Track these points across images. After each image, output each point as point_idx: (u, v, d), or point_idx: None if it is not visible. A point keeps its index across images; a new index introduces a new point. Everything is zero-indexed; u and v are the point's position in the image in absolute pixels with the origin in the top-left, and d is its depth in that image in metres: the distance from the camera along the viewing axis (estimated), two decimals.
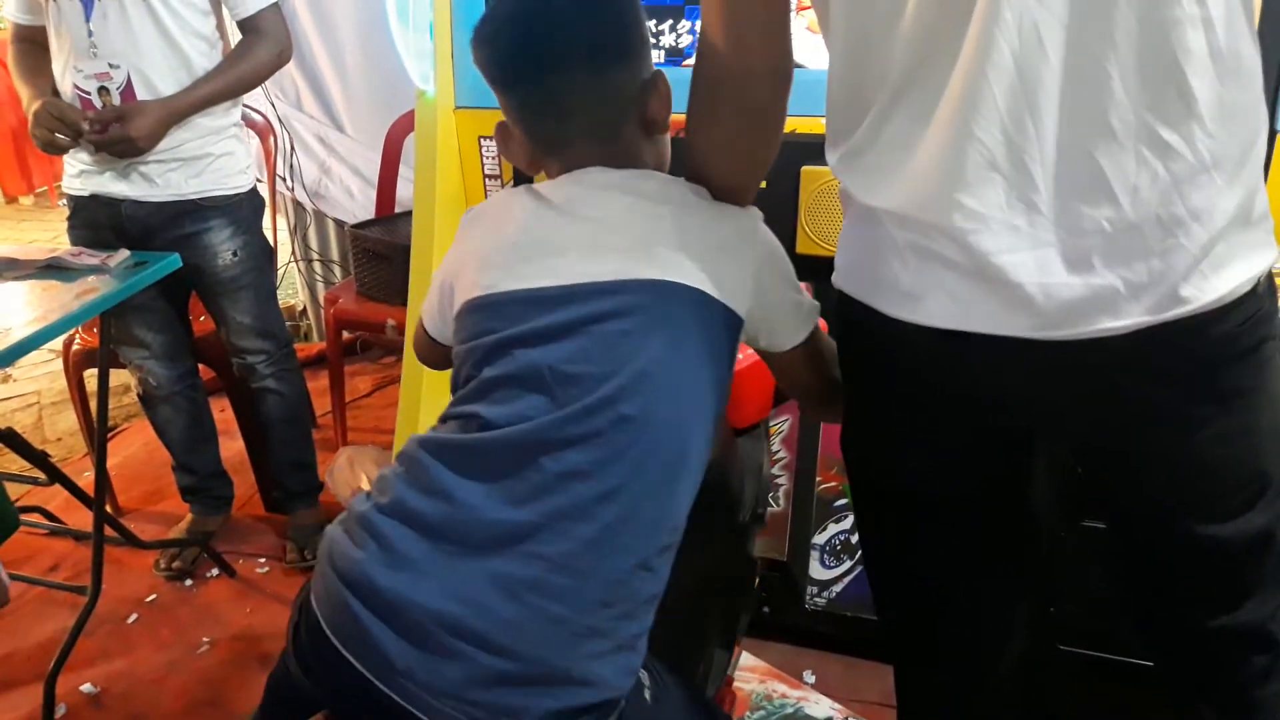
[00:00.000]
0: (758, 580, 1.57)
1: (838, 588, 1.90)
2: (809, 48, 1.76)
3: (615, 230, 0.96)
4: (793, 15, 1.01)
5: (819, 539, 1.90)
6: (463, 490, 0.89)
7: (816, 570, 1.90)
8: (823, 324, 1.17)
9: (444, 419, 0.97)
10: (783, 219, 1.80)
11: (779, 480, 1.90)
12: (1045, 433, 1.00)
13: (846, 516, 1.89)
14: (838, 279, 1.00)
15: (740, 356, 1.13)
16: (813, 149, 1.74)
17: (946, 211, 0.83)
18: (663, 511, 0.91)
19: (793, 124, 1.76)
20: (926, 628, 1.12)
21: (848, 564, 1.89)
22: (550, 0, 1.00)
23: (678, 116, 1.05)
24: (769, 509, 1.86)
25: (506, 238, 1.00)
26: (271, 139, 2.90)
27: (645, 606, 0.92)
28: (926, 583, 1.08)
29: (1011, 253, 0.81)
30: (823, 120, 1.75)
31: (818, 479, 1.90)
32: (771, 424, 1.91)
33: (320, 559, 0.93)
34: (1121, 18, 0.73)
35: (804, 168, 1.77)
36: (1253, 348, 0.85)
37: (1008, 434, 0.98)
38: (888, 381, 0.99)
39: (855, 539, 1.90)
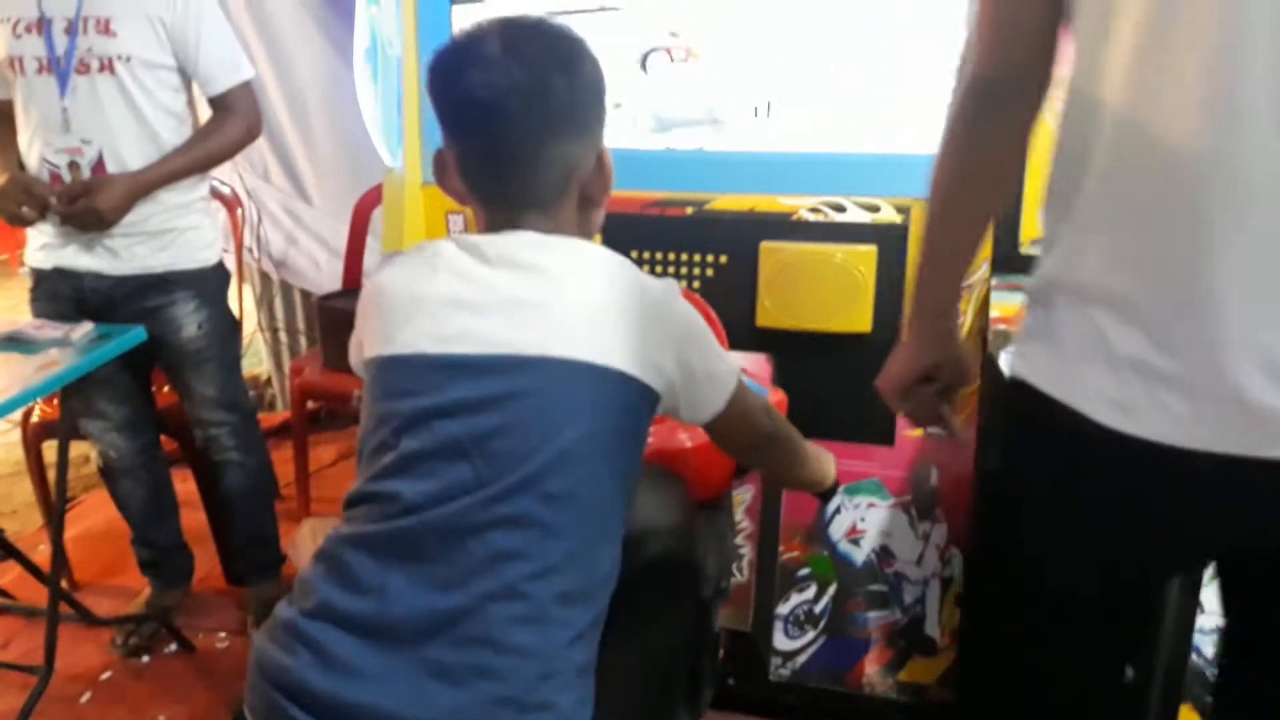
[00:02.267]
0: (722, 652, 1.58)
1: (802, 658, 1.91)
2: (752, 133, 1.83)
3: (542, 301, 0.96)
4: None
5: (782, 609, 1.90)
6: (390, 583, 0.88)
7: (780, 641, 1.90)
8: (782, 400, 1.20)
9: (362, 497, 0.95)
10: (742, 292, 1.85)
11: (742, 550, 1.92)
12: (1228, 543, 0.96)
13: (810, 586, 1.90)
14: (1024, 369, 0.95)
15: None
16: (771, 225, 1.81)
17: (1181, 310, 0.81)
18: (590, 585, 0.93)
19: (751, 201, 1.83)
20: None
21: (811, 634, 1.90)
22: (513, 61, 0.98)
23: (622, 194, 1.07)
24: (733, 580, 1.87)
25: (427, 293, 0.98)
26: (239, 211, 2.92)
27: (581, 677, 0.93)
28: (1064, 683, 1.05)
29: (1251, 369, 0.79)
30: (781, 199, 1.82)
31: (781, 549, 1.91)
32: (734, 494, 1.93)
33: (250, 671, 0.93)
34: None
35: (763, 243, 1.82)
36: None
37: (1189, 546, 0.95)
38: (1074, 485, 0.94)
39: (819, 609, 1.91)
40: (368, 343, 1.01)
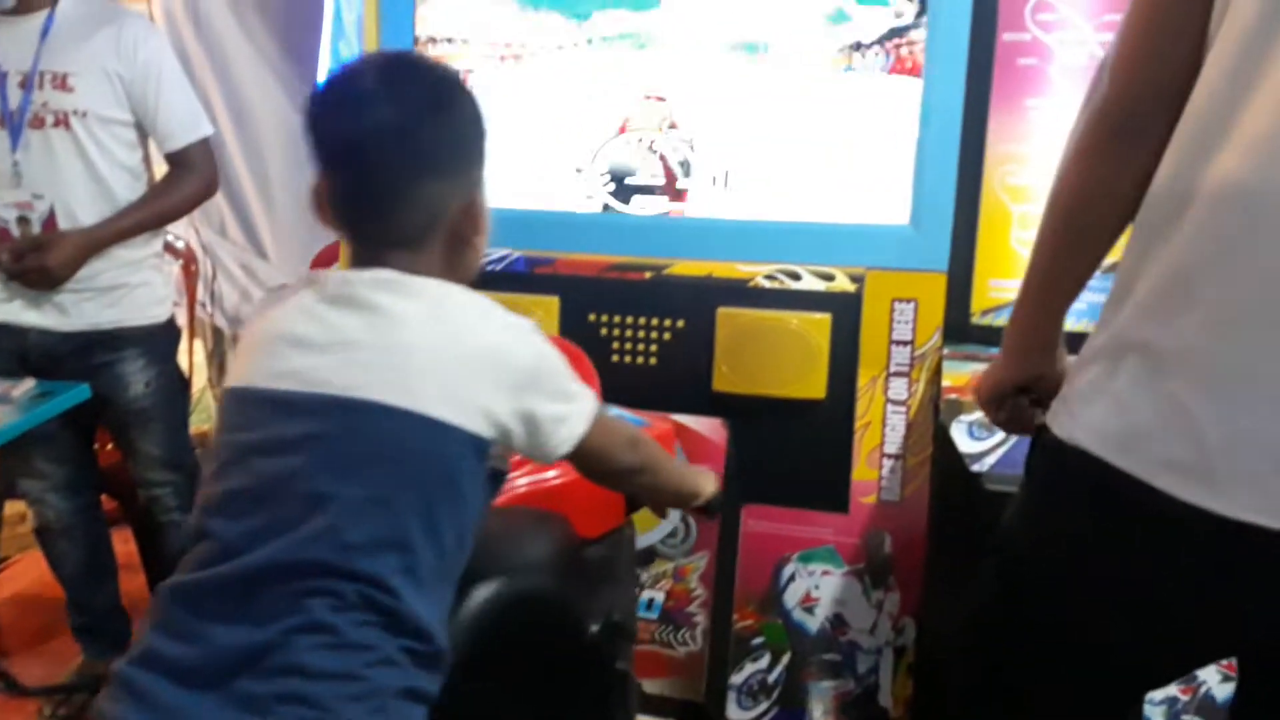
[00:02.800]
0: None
1: None
2: (711, 200, 1.85)
3: (370, 343, 0.96)
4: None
5: (736, 679, 1.88)
6: (207, 630, 0.90)
7: (734, 711, 1.88)
8: (668, 432, 1.19)
9: (195, 533, 0.98)
10: (699, 357, 1.86)
11: (695, 618, 1.90)
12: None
13: (764, 655, 1.88)
14: (1091, 441, 0.89)
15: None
16: (728, 291, 1.83)
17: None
18: (403, 617, 0.92)
19: (709, 268, 1.85)
20: None
21: (765, 704, 1.87)
22: (386, 99, 0.98)
23: None
24: (643, 617, 1.85)
25: (271, 330, 1.00)
26: (193, 266, 2.89)
27: (403, 701, 0.93)
28: None
29: None
30: (738, 266, 1.84)
31: (734, 616, 1.90)
32: (687, 561, 1.92)
33: None
34: None
35: (720, 309, 1.84)
36: None
37: (1251, 629, 0.90)
38: (1135, 562, 0.89)
39: (773, 678, 1.89)
40: (228, 376, 1.05)
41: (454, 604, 1.04)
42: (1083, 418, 0.90)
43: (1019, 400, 1.13)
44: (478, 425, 0.95)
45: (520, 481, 1.29)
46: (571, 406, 1.03)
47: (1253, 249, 0.79)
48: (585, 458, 1.07)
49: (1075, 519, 0.94)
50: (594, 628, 1.26)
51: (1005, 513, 1.07)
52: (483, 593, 1.08)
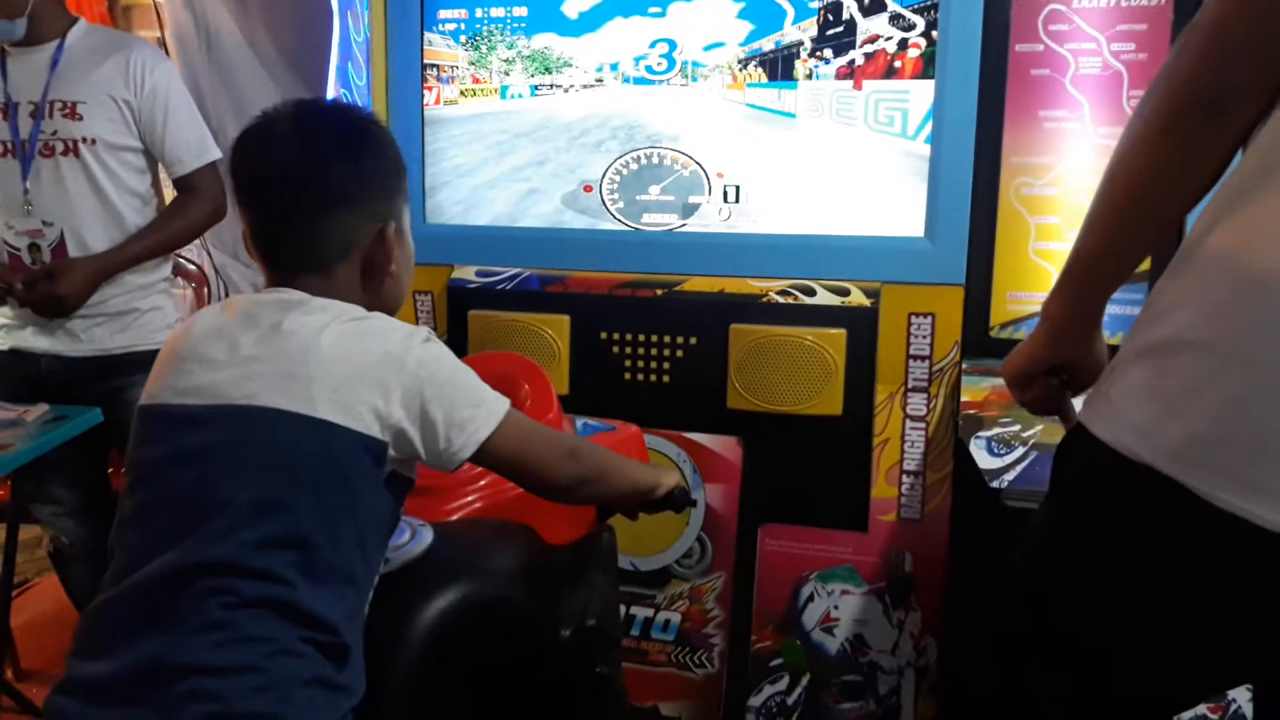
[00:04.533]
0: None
1: None
2: (722, 215, 1.83)
3: (267, 356, 1.00)
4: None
5: (755, 701, 1.85)
6: (112, 643, 0.92)
7: None
8: (635, 435, 1.18)
9: (110, 548, 1.01)
10: (712, 374, 1.84)
11: (713, 639, 1.87)
12: None
13: (783, 677, 1.85)
14: (1135, 443, 0.84)
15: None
16: (741, 308, 1.81)
17: None
18: (303, 610, 0.94)
19: (721, 284, 1.83)
20: None
21: None
22: (295, 139, 1.07)
23: None
24: (618, 623, 1.81)
25: (178, 350, 1.05)
26: (205, 288, 2.90)
27: (312, 689, 0.94)
28: None
29: None
30: (751, 282, 1.82)
31: (752, 638, 1.87)
32: (704, 581, 1.89)
33: None
34: None
35: (733, 325, 1.82)
36: None
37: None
38: (1175, 576, 0.84)
39: (791, 700, 1.86)
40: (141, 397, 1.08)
41: (414, 610, 1.05)
42: (1130, 419, 0.84)
43: (1049, 380, 1.07)
44: (369, 428, 0.99)
45: (479, 496, 1.30)
46: (473, 411, 1.05)
47: None
48: (508, 467, 1.10)
49: (1113, 527, 0.89)
50: (565, 632, 1.25)
51: (1031, 519, 1.03)
52: (441, 601, 1.08)
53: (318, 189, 1.06)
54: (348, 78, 2.09)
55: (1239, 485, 0.76)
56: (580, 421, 1.54)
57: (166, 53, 2.76)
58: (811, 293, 1.79)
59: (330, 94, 2.06)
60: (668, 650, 1.91)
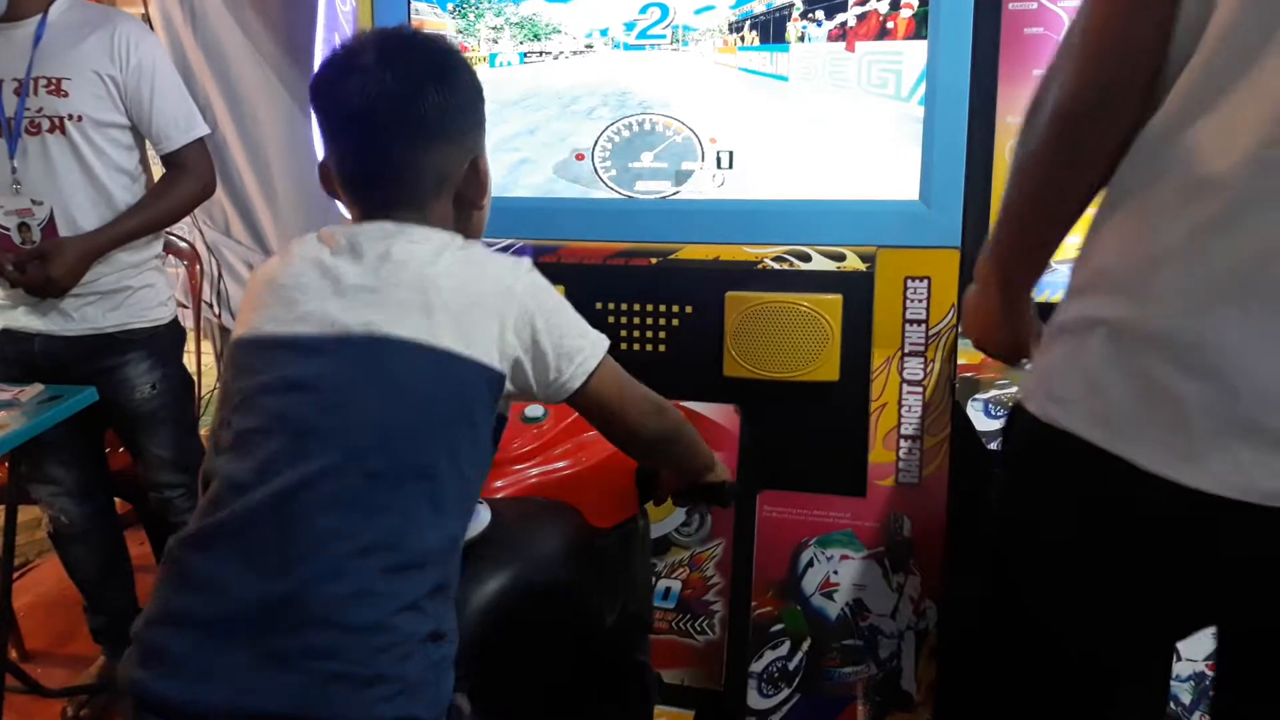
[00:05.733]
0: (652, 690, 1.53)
1: (776, 717, 1.86)
2: (716, 182, 1.82)
3: (378, 286, 0.98)
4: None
5: (756, 667, 1.86)
6: (221, 575, 0.90)
7: (754, 699, 1.86)
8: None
9: (205, 478, 0.98)
10: (709, 343, 1.83)
11: (713, 606, 1.88)
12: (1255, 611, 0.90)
13: (784, 643, 1.86)
14: (1063, 416, 0.87)
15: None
16: (736, 275, 1.80)
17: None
18: (420, 558, 0.93)
19: (715, 251, 1.82)
20: None
21: (786, 692, 1.85)
22: (386, 70, 1.02)
23: None
24: (659, 607, 1.83)
25: (278, 280, 1.03)
26: (198, 266, 2.88)
27: (428, 645, 0.93)
28: None
29: None
30: (746, 249, 1.81)
31: (753, 604, 1.88)
32: (704, 549, 1.90)
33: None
34: None
35: (728, 293, 1.81)
36: None
37: (1216, 609, 0.90)
38: (1114, 541, 0.88)
39: (793, 665, 1.87)
40: (234, 331, 1.05)
41: (468, 594, 1.04)
42: (1056, 393, 0.88)
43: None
44: (489, 357, 0.97)
45: (531, 472, 1.28)
46: (581, 343, 1.04)
47: (1228, 228, 0.76)
48: (601, 409, 1.08)
49: (1053, 499, 0.92)
50: (609, 618, 1.24)
51: (991, 492, 1.05)
52: (496, 584, 1.08)
53: (412, 122, 1.02)
54: (332, 47, 2.06)
55: (1163, 451, 0.80)
56: None
57: (151, 28, 2.73)
58: (807, 258, 1.78)
59: (317, 64, 2.04)
60: (669, 618, 1.92)
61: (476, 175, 1.08)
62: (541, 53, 1.91)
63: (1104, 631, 0.93)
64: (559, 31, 1.89)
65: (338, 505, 0.90)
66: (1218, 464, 0.78)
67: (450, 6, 1.94)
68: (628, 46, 1.85)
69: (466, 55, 1.80)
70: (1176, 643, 0.93)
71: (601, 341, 1.06)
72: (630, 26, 1.84)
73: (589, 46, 1.88)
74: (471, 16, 1.93)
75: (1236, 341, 0.76)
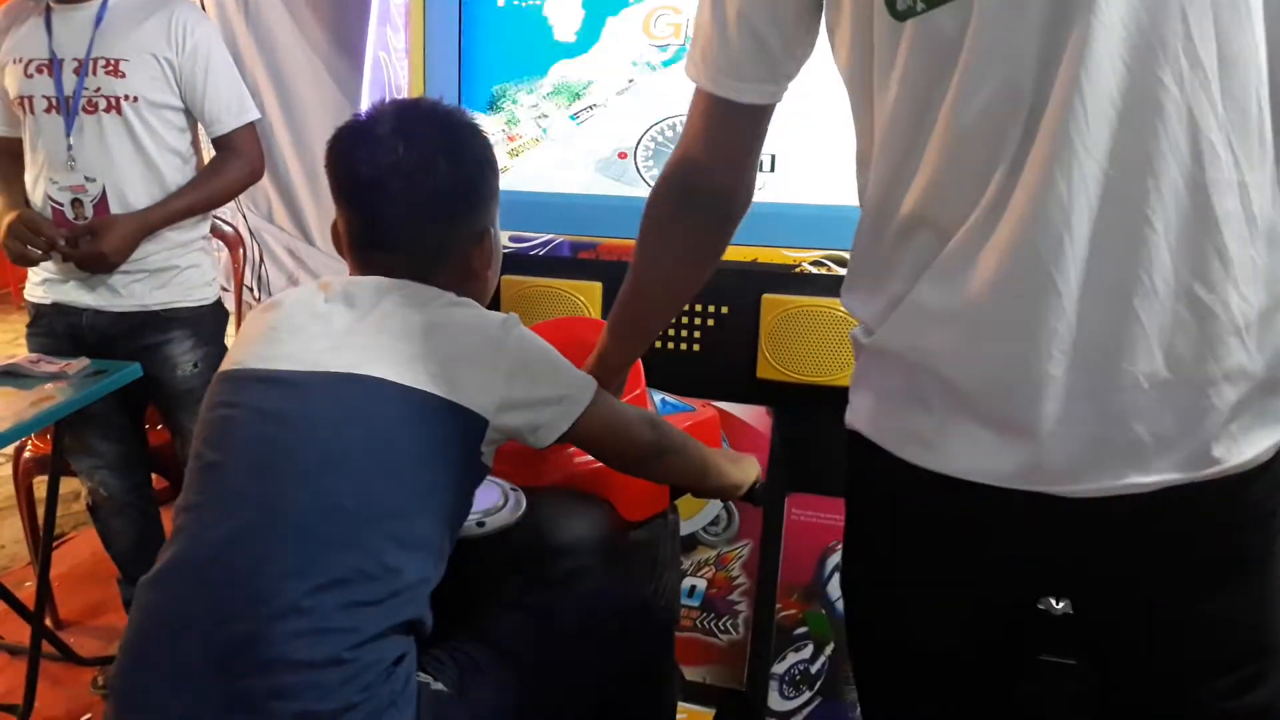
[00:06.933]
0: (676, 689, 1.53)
1: None
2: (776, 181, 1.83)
3: (366, 330, 1.00)
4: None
5: (778, 668, 1.87)
6: (185, 616, 0.91)
7: (776, 701, 1.86)
8: (713, 418, 1.29)
9: (176, 510, 0.99)
10: (743, 344, 1.84)
11: (738, 607, 1.88)
12: (1050, 592, 0.98)
13: (807, 645, 1.86)
14: (854, 420, 0.97)
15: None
16: (772, 278, 1.80)
17: (978, 360, 0.82)
18: (387, 594, 0.93)
19: (753, 253, 1.82)
20: None
21: (808, 694, 1.85)
22: (400, 140, 1.05)
23: None
24: (685, 605, 1.83)
25: (270, 320, 1.05)
26: (241, 250, 2.93)
27: (395, 668, 0.93)
28: None
29: (1038, 404, 0.79)
30: (784, 251, 1.81)
31: (778, 606, 1.88)
32: (730, 549, 1.90)
33: None
34: (1167, 175, 0.73)
35: (765, 295, 1.81)
36: (1270, 515, 0.85)
37: (1014, 593, 0.94)
38: (897, 529, 0.95)
39: (815, 669, 1.87)
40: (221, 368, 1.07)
41: (501, 581, 1.05)
42: (853, 403, 0.97)
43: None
44: (474, 404, 0.99)
45: (564, 463, 1.29)
46: (562, 390, 1.06)
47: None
48: (592, 438, 1.10)
49: (859, 498, 1.00)
50: (635, 608, 1.25)
51: None
52: (529, 570, 1.10)
53: (423, 194, 1.05)
54: (385, 41, 2.09)
55: (903, 439, 0.88)
56: (659, 397, 1.53)
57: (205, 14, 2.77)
58: (844, 263, 1.79)
59: (368, 56, 2.07)
60: (693, 616, 1.92)
61: (483, 247, 1.11)
62: (590, 107, 1.92)
63: (905, 616, 0.97)
64: (593, 82, 1.90)
65: (299, 540, 0.91)
66: (955, 448, 0.84)
67: (489, 107, 1.96)
68: (664, 64, 1.86)
69: (514, 144, 1.80)
70: (984, 635, 0.95)
71: (588, 385, 1.07)
72: (664, 49, 1.86)
73: (631, 82, 1.89)
74: (509, 107, 1.95)
75: (950, 344, 0.84)
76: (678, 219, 1.07)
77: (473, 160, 1.09)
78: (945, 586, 0.93)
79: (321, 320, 1.02)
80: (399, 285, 1.04)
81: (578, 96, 1.92)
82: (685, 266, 1.11)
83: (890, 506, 0.95)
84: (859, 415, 0.95)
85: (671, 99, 1.86)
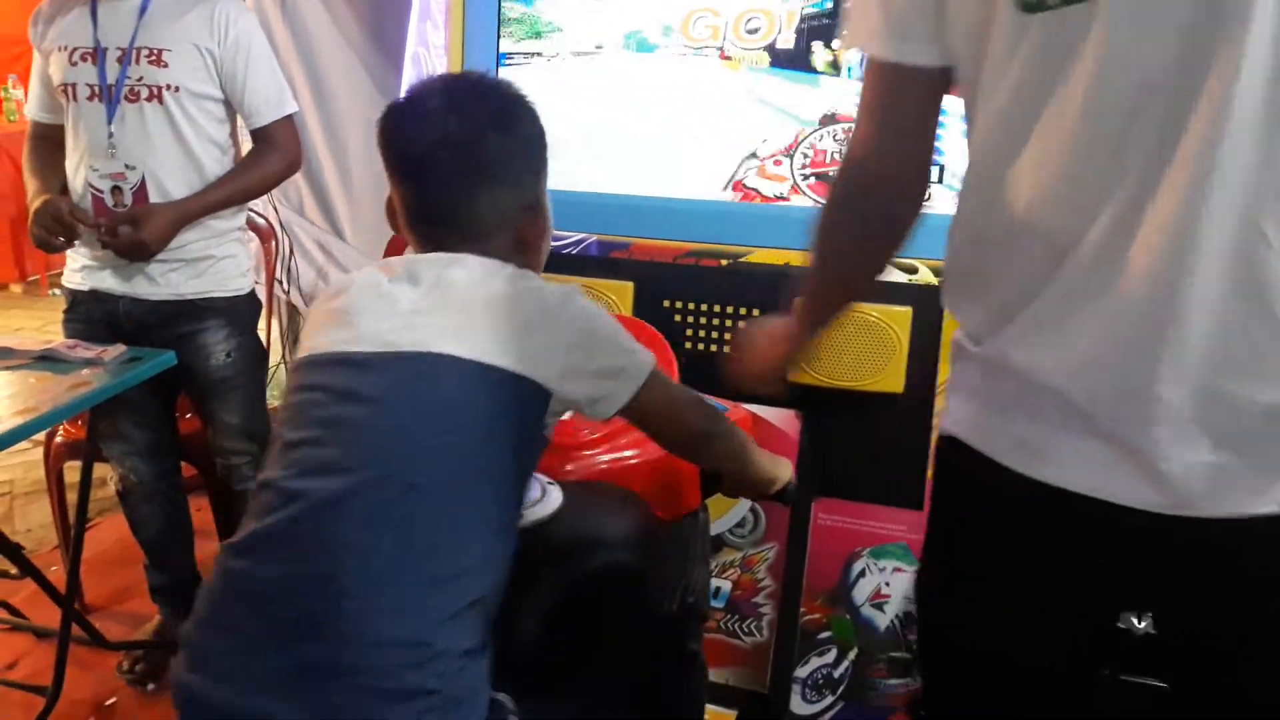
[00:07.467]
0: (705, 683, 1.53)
1: None
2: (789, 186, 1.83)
3: (432, 308, 1.02)
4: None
5: (801, 672, 1.87)
6: (265, 584, 0.93)
7: (798, 705, 1.86)
8: (745, 419, 1.24)
9: (258, 486, 1.01)
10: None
11: (763, 609, 1.88)
12: (1135, 608, 0.93)
13: (830, 650, 1.86)
14: (953, 426, 0.95)
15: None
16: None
17: (1097, 380, 0.81)
18: (459, 572, 0.94)
19: (787, 256, 1.82)
20: None
21: (830, 699, 1.86)
22: (450, 114, 1.06)
23: None
24: (711, 605, 1.83)
25: (337, 305, 1.06)
26: (273, 243, 2.95)
27: (464, 660, 0.93)
28: None
29: (1156, 425, 0.78)
30: None
31: (802, 610, 1.88)
32: (756, 551, 1.90)
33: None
34: None
35: (797, 299, 1.81)
36: None
37: (1107, 607, 0.93)
38: (985, 536, 0.94)
39: (838, 673, 1.87)
40: (296, 356, 1.09)
41: (538, 572, 1.05)
42: (951, 409, 0.97)
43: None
44: (538, 375, 1.00)
45: (600, 459, 1.30)
46: (624, 361, 1.07)
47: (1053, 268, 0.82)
48: (648, 414, 1.10)
49: (949, 505, 1.00)
50: (668, 606, 1.26)
51: None
52: (566, 563, 1.10)
53: (474, 166, 1.06)
54: (425, 37, 2.11)
55: (1008, 447, 0.88)
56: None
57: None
58: None
59: (408, 51, 2.08)
60: (718, 617, 1.92)
61: (536, 217, 1.12)
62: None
63: (993, 625, 0.95)
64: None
65: (380, 518, 0.92)
66: (1067, 462, 0.83)
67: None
68: (695, 50, 1.86)
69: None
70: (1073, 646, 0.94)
71: (648, 360, 1.07)
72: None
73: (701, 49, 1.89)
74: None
75: (1067, 362, 0.82)
76: (846, 225, 1.05)
77: (522, 131, 1.10)
78: (1029, 596, 0.92)
79: (387, 300, 1.03)
80: (458, 259, 1.05)
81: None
82: (862, 268, 1.11)
83: (982, 514, 0.94)
84: (959, 422, 0.94)
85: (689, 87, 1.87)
